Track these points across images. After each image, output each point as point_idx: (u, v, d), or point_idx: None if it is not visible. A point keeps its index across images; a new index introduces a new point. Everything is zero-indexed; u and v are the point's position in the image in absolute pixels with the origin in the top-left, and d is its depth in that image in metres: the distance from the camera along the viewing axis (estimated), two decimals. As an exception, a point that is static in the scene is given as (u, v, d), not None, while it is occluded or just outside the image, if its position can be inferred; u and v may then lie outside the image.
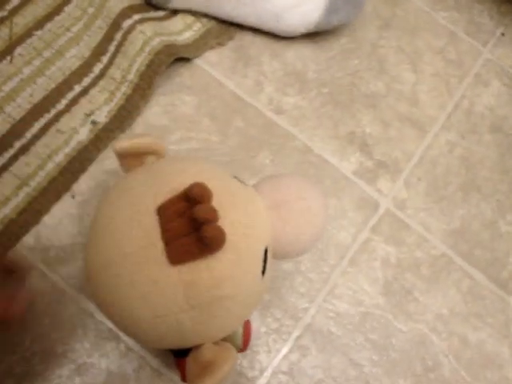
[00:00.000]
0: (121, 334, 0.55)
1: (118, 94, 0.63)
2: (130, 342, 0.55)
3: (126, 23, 0.65)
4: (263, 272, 0.39)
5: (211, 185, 0.34)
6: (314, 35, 0.70)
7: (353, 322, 0.59)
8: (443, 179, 0.67)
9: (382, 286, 0.61)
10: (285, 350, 0.57)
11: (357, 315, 0.59)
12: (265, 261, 0.39)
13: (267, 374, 0.56)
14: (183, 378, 0.48)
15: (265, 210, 0.39)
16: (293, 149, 0.64)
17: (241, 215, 0.37)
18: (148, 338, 0.38)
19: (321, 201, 0.43)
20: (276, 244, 0.40)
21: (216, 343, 0.40)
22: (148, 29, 0.65)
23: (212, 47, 0.67)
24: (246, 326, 0.51)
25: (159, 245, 0.34)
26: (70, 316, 0.55)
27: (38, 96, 0.62)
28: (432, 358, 0.59)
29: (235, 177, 0.41)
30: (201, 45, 0.67)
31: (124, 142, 0.41)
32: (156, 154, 0.43)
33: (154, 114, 0.63)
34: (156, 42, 0.65)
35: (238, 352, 0.51)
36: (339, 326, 0.59)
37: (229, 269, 0.35)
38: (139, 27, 0.65)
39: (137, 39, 0.65)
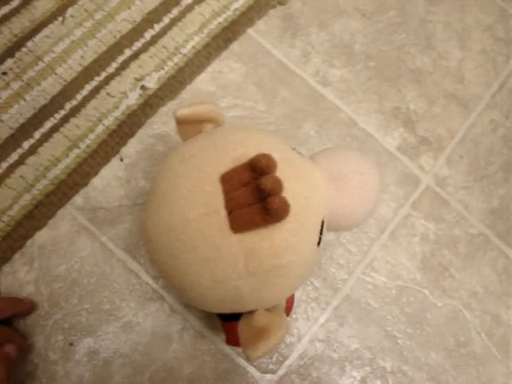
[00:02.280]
0: (165, 295, 0.54)
1: (170, 64, 0.61)
2: (175, 303, 0.54)
3: (185, 1, 0.63)
4: (318, 243, 0.38)
5: (274, 156, 0.33)
6: (362, 7, 0.67)
7: (390, 295, 0.58)
8: (485, 158, 0.64)
9: (420, 261, 0.59)
10: (322, 319, 0.56)
11: (394, 289, 0.58)
12: (321, 232, 0.38)
13: (304, 341, 0.55)
14: (228, 341, 0.48)
15: (321, 181, 0.38)
16: (337, 121, 0.62)
17: (302, 186, 0.36)
18: (206, 302, 0.38)
19: (377, 176, 0.41)
20: (331, 216, 0.39)
21: (268, 310, 0.39)
22: (206, 10, 0.63)
23: (273, 6, 0.64)
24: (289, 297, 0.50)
25: (222, 213, 0.33)
26: (117, 276, 0.54)
27: (89, 58, 0.60)
28: (464, 334, 0.58)
29: (294, 148, 0.39)
30: (263, 4, 0.64)
31: (185, 109, 0.39)
32: (215, 122, 0.41)
33: (201, 80, 0.61)
34: (214, 25, 0.63)
35: None
36: (376, 298, 0.57)
37: (289, 238, 0.34)
38: (198, 9, 0.63)
39: (195, 19, 0.63)
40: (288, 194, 0.33)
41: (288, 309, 0.50)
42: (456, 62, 0.68)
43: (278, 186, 0.32)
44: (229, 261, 0.34)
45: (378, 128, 0.63)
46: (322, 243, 0.39)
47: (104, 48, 0.61)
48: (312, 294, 0.57)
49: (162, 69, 0.61)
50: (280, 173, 0.33)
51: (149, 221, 0.37)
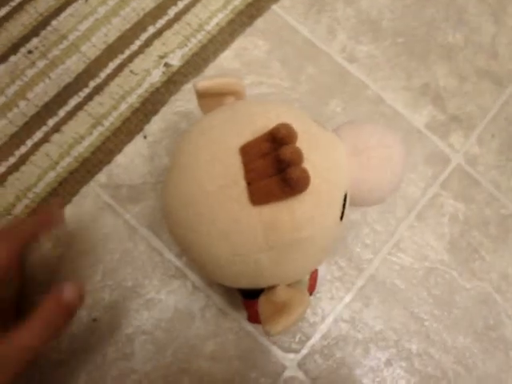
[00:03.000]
0: (188, 273, 0.53)
1: (193, 41, 0.60)
2: (197, 280, 0.53)
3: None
4: (341, 217, 0.36)
5: (295, 127, 0.32)
6: (391, -19, 0.64)
7: (416, 276, 0.56)
8: (518, 137, 0.61)
9: (448, 242, 0.57)
10: (347, 299, 0.54)
11: (421, 270, 0.56)
12: (343, 206, 0.36)
13: (328, 320, 0.54)
14: (250, 319, 0.47)
15: (346, 156, 0.37)
16: (364, 98, 0.60)
17: (323, 158, 0.34)
18: (225, 276, 0.37)
19: (402, 150, 0.40)
20: (354, 190, 0.38)
21: (289, 286, 0.38)
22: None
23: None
24: (313, 271, 0.48)
25: (241, 184, 0.32)
26: (140, 253, 0.54)
27: (113, 36, 0.59)
28: (494, 318, 0.56)
29: (315, 120, 0.37)
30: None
31: (206, 81, 0.38)
32: (236, 95, 0.40)
33: (225, 58, 0.60)
34: (238, 2, 0.62)
35: None
36: (403, 279, 0.55)
37: (309, 211, 0.33)
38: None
39: None
40: (309, 165, 0.31)
41: (311, 287, 0.49)
42: (489, 37, 0.64)
43: (298, 156, 0.31)
44: (248, 233, 0.33)
45: (406, 105, 0.60)
46: (345, 218, 0.37)
47: (127, 26, 0.60)
48: (336, 274, 0.55)
49: (186, 46, 0.59)
50: (301, 144, 0.32)
51: (168, 193, 0.36)
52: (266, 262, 0.34)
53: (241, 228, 0.32)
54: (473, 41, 0.64)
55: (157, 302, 0.53)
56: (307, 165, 0.31)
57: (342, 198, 0.36)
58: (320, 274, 0.54)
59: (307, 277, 0.47)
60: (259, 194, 0.31)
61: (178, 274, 0.54)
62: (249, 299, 0.46)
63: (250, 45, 0.60)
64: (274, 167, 0.31)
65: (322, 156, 0.34)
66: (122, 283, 0.53)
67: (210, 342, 0.52)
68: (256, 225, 0.32)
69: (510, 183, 0.60)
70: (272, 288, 0.37)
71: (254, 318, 0.47)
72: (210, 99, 0.40)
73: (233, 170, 0.32)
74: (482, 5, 0.65)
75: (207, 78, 0.38)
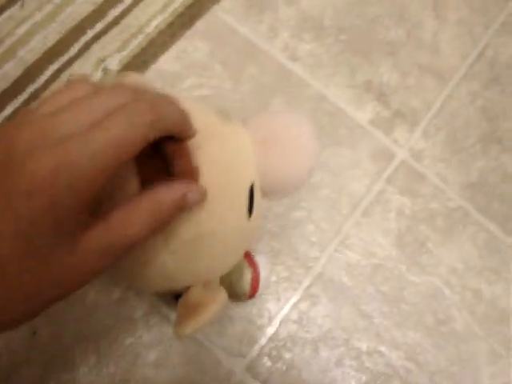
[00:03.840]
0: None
1: (133, 44, 0.58)
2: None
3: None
4: (250, 211, 0.34)
5: (194, 119, 0.29)
6: (332, -20, 0.64)
7: (364, 273, 0.55)
8: (463, 130, 0.61)
9: (396, 237, 0.56)
10: (294, 299, 0.53)
11: (368, 266, 0.55)
12: (251, 199, 0.34)
13: (276, 322, 0.52)
14: None
15: (250, 145, 0.35)
16: (307, 97, 0.59)
17: (223, 149, 0.32)
18: (137, 283, 0.35)
19: (309, 132, 0.37)
20: (267, 180, 0.36)
21: (207, 286, 0.36)
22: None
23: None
24: (255, 272, 0.47)
25: (134, 182, 0.29)
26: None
27: (52, 40, 0.58)
28: (444, 312, 0.55)
29: (221, 111, 0.35)
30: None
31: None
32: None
33: (165, 61, 0.58)
34: (177, 4, 0.60)
35: (247, 299, 0.48)
36: (350, 276, 0.54)
37: (207, 205, 0.30)
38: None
39: None
40: (206, 157, 0.30)
41: (253, 289, 0.48)
42: (431, 33, 0.64)
43: (180, 148, 0.28)
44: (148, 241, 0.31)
45: (350, 102, 0.60)
46: (256, 211, 0.35)
47: (66, 30, 0.58)
48: (283, 274, 0.54)
49: (125, 49, 0.58)
50: (199, 135, 0.29)
51: None
52: (171, 263, 0.32)
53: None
54: (415, 36, 0.63)
55: (98, 309, 0.51)
56: (204, 156, 0.30)
57: (248, 189, 0.34)
58: (265, 274, 0.53)
59: (248, 277, 0.46)
60: (171, 163, 0.28)
61: (119, 281, 0.52)
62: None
63: (190, 47, 0.59)
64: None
65: (221, 147, 0.32)
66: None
67: (154, 349, 0.51)
68: None
69: (456, 176, 0.59)
70: (187, 289, 0.35)
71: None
72: None
73: (126, 169, 0.30)
74: (423, 1, 0.65)
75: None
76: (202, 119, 0.32)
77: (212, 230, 0.32)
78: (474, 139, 0.61)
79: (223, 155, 0.32)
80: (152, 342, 0.51)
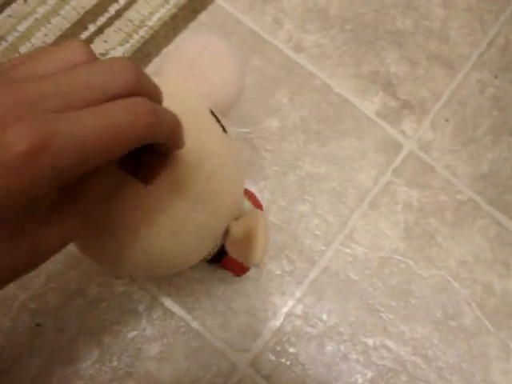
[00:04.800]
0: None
1: (136, 37, 0.58)
2: (143, 281, 0.51)
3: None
4: (224, 130, 0.35)
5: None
6: (337, -30, 0.62)
7: (371, 267, 0.53)
8: (473, 121, 0.59)
9: (403, 230, 0.55)
10: (299, 293, 0.52)
11: (375, 260, 0.53)
12: (218, 120, 0.34)
13: (280, 316, 0.51)
14: (237, 272, 0.47)
15: (184, 83, 0.35)
16: (312, 88, 0.58)
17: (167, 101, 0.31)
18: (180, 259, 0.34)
19: (222, 41, 0.38)
20: (213, 101, 0.36)
21: (237, 219, 0.37)
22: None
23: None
24: (246, 193, 0.47)
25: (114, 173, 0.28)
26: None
27: (53, 36, 0.57)
28: (453, 306, 0.53)
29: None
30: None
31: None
32: None
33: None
34: (181, -4, 0.59)
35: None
36: (357, 270, 0.53)
37: (194, 145, 0.30)
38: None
39: None
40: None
41: (257, 206, 0.48)
42: (440, 21, 0.62)
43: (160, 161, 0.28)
44: (165, 208, 0.30)
45: (356, 93, 0.58)
46: (229, 131, 0.36)
47: (68, 25, 0.58)
48: (287, 268, 0.52)
49: (128, 42, 0.57)
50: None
51: None
52: (201, 217, 0.31)
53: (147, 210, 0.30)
54: (423, 26, 0.62)
55: (101, 302, 0.50)
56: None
57: (210, 114, 0.34)
58: (269, 268, 0.52)
59: (247, 202, 0.45)
60: (147, 172, 0.28)
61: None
62: (218, 261, 0.43)
63: (193, 38, 0.58)
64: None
65: (173, 97, 0.30)
66: (66, 286, 0.51)
67: (156, 343, 0.50)
68: (166, 196, 0.30)
69: (465, 168, 0.57)
70: (228, 231, 0.35)
71: (239, 270, 0.46)
72: None
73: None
74: (431, -11, 0.63)
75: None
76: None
77: (213, 164, 0.31)
78: (484, 130, 0.59)
79: (172, 100, 0.31)
80: (155, 336, 0.50)
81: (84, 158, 0.19)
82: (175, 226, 0.30)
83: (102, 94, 0.20)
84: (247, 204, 0.42)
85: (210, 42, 0.38)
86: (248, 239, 0.34)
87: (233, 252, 0.36)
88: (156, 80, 0.32)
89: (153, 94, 0.23)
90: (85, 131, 0.19)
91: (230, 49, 0.38)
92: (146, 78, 0.23)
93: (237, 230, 0.35)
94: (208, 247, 0.35)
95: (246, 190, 0.47)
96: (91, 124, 0.19)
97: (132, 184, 0.29)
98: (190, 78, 0.36)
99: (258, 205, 0.47)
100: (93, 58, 0.22)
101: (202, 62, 0.36)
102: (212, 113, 0.34)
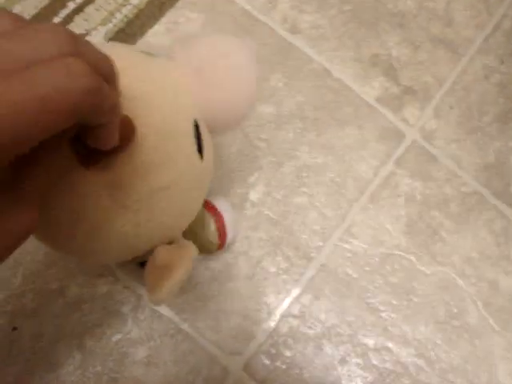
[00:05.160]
0: (118, 273, 0.47)
1: (119, 16, 0.53)
2: (127, 279, 0.47)
3: None
4: (200, 151, 0.31)
5: (119, 63, 0.24)
6: None
7: (371, 264, 0.50)
8: (478, 108, 0.55)
9: (406, 224, 0.51)
10: (296, 292, 0.49)
11: (376, 256, 0.50)
12: (198, 137, 0.31)
13: (275, 317, 0.48)
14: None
15: (183, 78, 0.31)
16: (309, 72, 0.54)
17: (155, 90, 0.28)
18: (96, 256, 0.31)
19: (246, 54, 0.34)
20: (208, 115, 0.32)
21: (170, 244, 0.33)
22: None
23: None
24: (218, 219, 0.43)
25: (65, 151, 0.24)
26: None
27: (27, 15, 0.52)
28: (457, 305, 0.50)
29: (143, 51, 0.31)
30: None
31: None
32: None
33: (155, 33, 0.53)
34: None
35: (218, 249, 0.44)
36: (356, 267, 0.50)
37: (152, 156, 0.27)
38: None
39: None
40: (138, 102, 0.26)
41: (222, 236, 0.43)
42: (443, 3, 0.59)
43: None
44: (94, 203, 0.27)
45: (356, 78, 0.55)
46: (207, 150, 0.32)
47: (45, 2, 0.53)
48: (283, 265, 0.49)
49: (110, 22, 0.53)
50: (129, 79, 0.26)
51: None
52: (129, 226, 0.28)
53: (84, 201, 0.27)
54: (426, 7, 0.58)
55: (83, 303, 0.47)
56: (137, 101, 0.26)
57: (192, 127, 0.30)
58: (264, 265, 0.48)
59: (212, 226, 0.42)
60: (88, 156, 0.25)
61: (105, 273, 0.47)
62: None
63: (181, 18, 0.54)
64: None
65: (152, 88, 0.28)
66: (45, 286, 0.47)
67: (143, 346, 0.46)
68: (98, 188, 0.26)
69: (471, 158, 0.54)
70: (153, 251, 0.32)
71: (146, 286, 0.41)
72: None
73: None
74: (434, -32, 0.59)
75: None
76: (128, 63, 0.28)
77: (164, 182, 0.28)
78: (490, 117, 0.55)
79: (158, 95, 0.28)
80: (141, 339, 0.47)
81: (13, 135, 0.16)
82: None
83: (26, 65, 0.16)
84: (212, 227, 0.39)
85: (230, 47, 0.33)
86: (163, 271, 0.31)
87: (147, 273, 0.32)
88: (155, 60, 0.28)
89: (98, 65, 0.19)
90: (7, 104, 0.15)
91: (249, 61, 0.33)
92: (87, 45, 0.19)
93: (160, 256, 0.32)
94: (127, 256, 0.32)
95: (215, 211, 0.43)
96: (15, 95, 0.16)
97: (80, 169, 0.26)
98: (197, 80, 0.31)
99: (222, 231, 0.43)
100: (21, 23, 0.18)
101: (215, 68, 0.32)
102: (196, 125, 0.30)
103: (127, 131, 0.25)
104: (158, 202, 0.29)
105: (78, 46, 0.18)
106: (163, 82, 0.30)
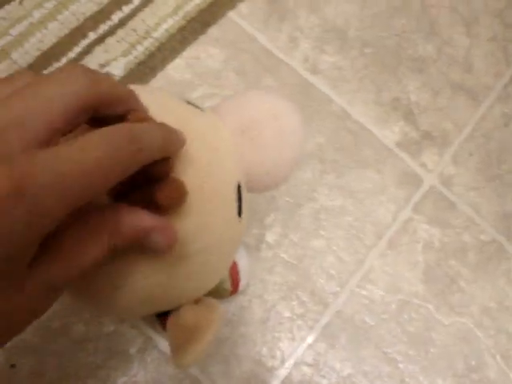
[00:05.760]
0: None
1: (140, 49, 0.53)
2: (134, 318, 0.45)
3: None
4: (239, 213, 0.29)
5: (164, 116, 0.24)
6: (357, -11, 0.59)
7: (388, 311, 0.48)
8: (497, 156, 0.55)
9: (423, 272, 0.50)
10: (310, 339, 0.47)
11: (393, 303, 0.49)
12: (239, 199, 0.29)
13: (289, 364, 0.46)
14: None
15: (230, 138, 0.30)
16: (329, 113, 0.53)
17: (201, 149, 0.27)
18: (117, 310, 0.29)
19: (296, 118, 0.32)
20: (250, 175, 0.30)
21: (196, 302, 0.31)
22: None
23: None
24: (232, 266, 0.42)
25: (105, 201, 0.24)
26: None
27: (49, 42, 0.52)
28: (476, 357, 0.49)
29: (189, 102, 0.30)
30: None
31: None
32: None
33: (175, 67, 0.53)
34: (190, 7, 0.55)
35: (230, 295, 0.43)
36: (373, 314, 0.48)
37: (195, 220, 0.26)
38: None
39: (169, 0, 0.55)
40: (184, 161, 0.25)
41: (235, 282, 0.42)
42: (463, 49, 0.59)
43: (165, 166, 0.23)
44: (126, 260, 0.25)
45: (376, 121, 0.54)
46: (245, 211, 0.30)
47: (66, 31, 0.53)
48: (298, 310, 0.47)
49: (131, 54, 0.53)
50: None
51: None
52: (157, 288, 0.26)
53: (114, 255, 0.25)
54: (446, 53, 0.58)
55: (87, 343, 0.45)
56: (181, 160, 0.25)
57: (235, 190, 0.29)
58: (279, 310, 0.47)
59: (226, 273, 0.40)
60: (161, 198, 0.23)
61: (114, 312, 0.46)
62: (164, 316, 0.38)
63: (202, 54, 0.54)
64: (140, 175, 0.23)
65: (199, 146, 0.27)
66: (47, 323, 0.45)
67: (150, 391, 0.44)
68: (135, 252, 0.25)
69: (490, 206, 0.53)
70: (178, 309, 0.30)
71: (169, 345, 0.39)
72: None
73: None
74: (453, 16, 0.60)
75: None
76: (176, 116, 0.27)
77: (203, 246, 0.26)
78: (509, 165, 0.55)
79: (205, 155, 0.27)
80: (148, 383, 0.44)
81: (65, 198, 0.16)
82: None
83: (61, 115, 0.18)
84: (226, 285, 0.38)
85: (280, 109, 0.32)
86: (189, 333, 0.29)
87: (169, 332, 0.31)
88: (203, 115, 0.27)
89: (116, 100, 0.20)
90: (63, 169, 0.16)
91: (298, 125, 0.32)
92: (105, 82, 0.20)
93: (186, 316, 0.30)
94: (149, 313, 0.30)
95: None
96: (70, 161, 0.16)
97: None
98: (244, 141, 0.30)
99: (235, 278, 0.42)
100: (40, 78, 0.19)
101: (263, 129, 0.31)
102: (238, 188, 0.29)
103: (176, 199, 0.24)
104: (193, 264, 0.27)
105: (96, 86, 0.19)
106: (213, 140, 0.28)
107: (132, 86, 0.27)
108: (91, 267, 0.20)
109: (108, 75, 0.22)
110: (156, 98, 0.28)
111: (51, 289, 0.19)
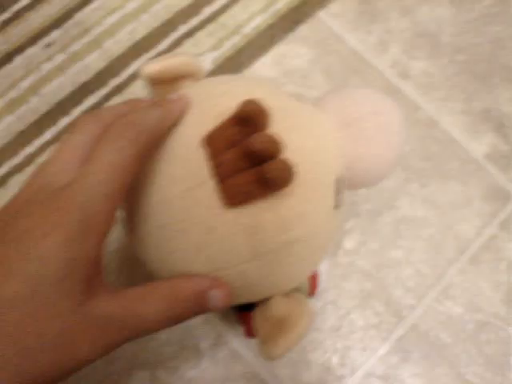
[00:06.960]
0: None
1: (228, 44, 0.53)
2: (209, 313, 0.45)
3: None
4: (336, 207, 0.29)
5: (268, 103, 0.25)
6: (452, -6, 0.57)
7: (466, 330, 0.47)
8: None
9: (506, 292, 0.48)
10: (382, 351, 0.46)
11: (472, 322, 0.47)
12: (338, 192, 0.29)
13: (359, 374, 0.45)
14: (248, 334, 0.39)
15: (333, 132, 0.30)
16: (415, 120, 0.52)
17: (306, 139, 0.28)
18: None
19: (398, 116, 0.33)
20: (350, 170, 0.30)
21: (286, 295, 0.31)
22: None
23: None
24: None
25: (210, 184, 0.25)
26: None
27: (140, 34, 0.53)
28: (556, 388, 0.46)
29: (293, 95, 0.30)
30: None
31: (155, 64, 0.30)
32: (193, 76, 0.32)
33: (262, 64, 0.53)
34: (281, 5, 0.55)
35: (308, 297, 0.42)
36: (450, 331, 0.47)
37: (297, 206, 0.26)
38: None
39: None
40: (289, 150, 0.25)
41: (312, 288, 0.41)
42: (562, 61, 0.56)
43: (273, 145, 0.24)
44: (227, 243, 0.26)
45: (464, 131, 0.52)
46: (342, 206, 0.30)
47: (157, 23, 0.53)
48: (372, 320, 0.46)
49: (219, 48, 0.53)
50: (277, 125, 0.26)
51: (128, 208, 0.29)
52: (253, 273, 0.27)
53: (217, 237, 0.26)
54: (543, 64, 0.55)
55: (159, 333, 0.45)
56: (287, 150, 0.25)
57: (334, 182, 0.29)
58: (353, 318, 0.46)
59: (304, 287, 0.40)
60: (233, 193, 0.25)
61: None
62: (244, 312, 0.38)
63: (290, 52, 0.53)
64: (247, 158, 0.24)
65: (304, 136, 0.27)
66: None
67: (218, 386, 0.44)
68: (235, 231, 0.25)
69: None
70: (266, 301, 0.30)
71: (251, 333, 0.39)
72: (163, 85, 0.31)
73: (197, 168, 0.25)
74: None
75: (156, 60, 0.31)
76: (280, 105, 0.27)
77: (301, 235, 0.27)
78: None
79: (309, 145, 0.27)
80: (216, 379, 0.45)
81: (108, 200, 0.22)
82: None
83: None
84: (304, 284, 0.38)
85: (383, 105, 0.32)
86: (279, 326, 0.29)
87: (257, 323, 0.31)
88: (306, 107, 0.28)
89: (161, 120, 0.25)
90: (93, 182, 0.22)
91: (399, 122, 0.33)
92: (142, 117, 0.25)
93: (276, 308, 0.30)
94: (236, 303, 0.31)
95: None
96: (94, 173, 0.22)
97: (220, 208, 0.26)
98: (346, 135, 0.30)
99: (313, 284, 0.41)
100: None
101: (366, 125, 0.31)
102: (337, 180, 0.29)
103: (284, 179, 0.24)
104: (290, 253, 0.27)
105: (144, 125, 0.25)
106: (316, 131, 0.29)
107: (240, 75, 0.29)
108: (150, 329, 0.25)
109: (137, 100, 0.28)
110: (265, 88, 0.29)
111: (106, 324, 0.23)
